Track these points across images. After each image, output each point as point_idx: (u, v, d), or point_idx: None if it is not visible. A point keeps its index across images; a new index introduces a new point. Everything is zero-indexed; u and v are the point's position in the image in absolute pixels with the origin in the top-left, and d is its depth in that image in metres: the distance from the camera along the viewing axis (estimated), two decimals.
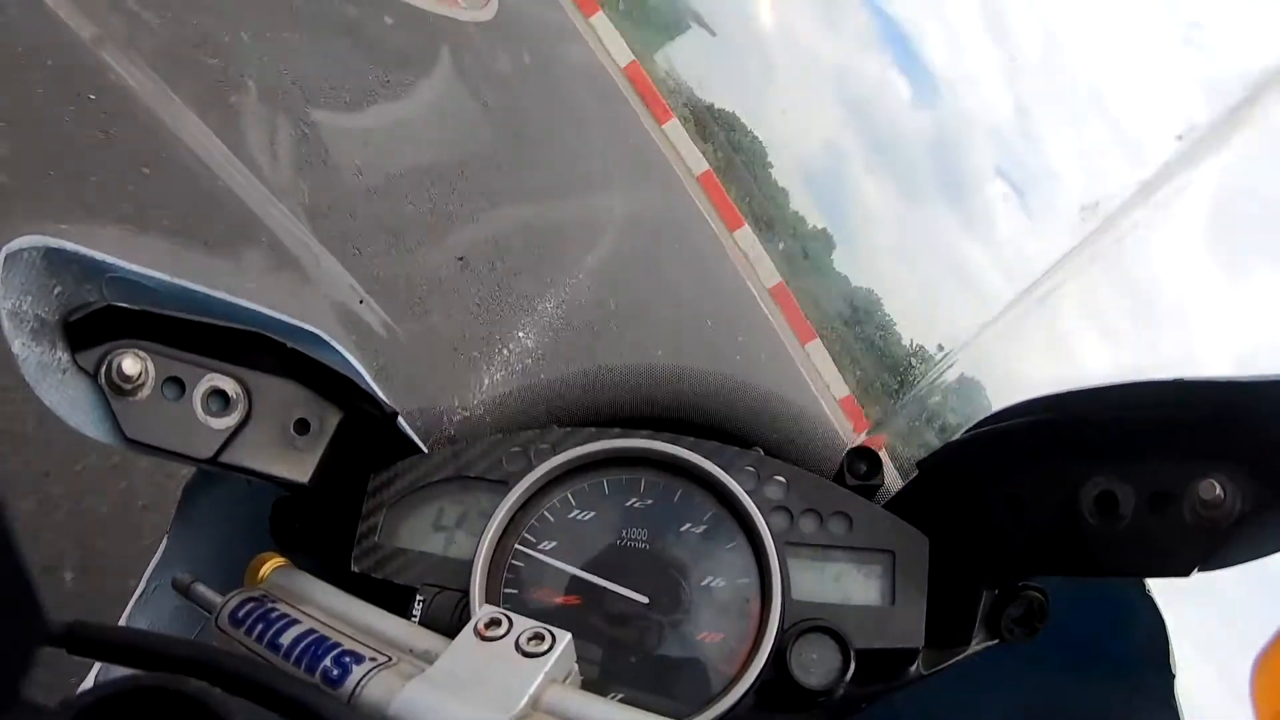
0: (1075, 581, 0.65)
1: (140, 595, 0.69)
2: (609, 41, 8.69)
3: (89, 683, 0.65)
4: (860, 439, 0.76)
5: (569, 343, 4.35)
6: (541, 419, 0.81)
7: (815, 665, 0.60)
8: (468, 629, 0.50)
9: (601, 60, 8.44)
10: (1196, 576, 0.50)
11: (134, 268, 0.55)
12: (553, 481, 0.68)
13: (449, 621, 0.62)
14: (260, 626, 0.57)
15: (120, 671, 0.61)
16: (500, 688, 0.46)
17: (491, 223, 4.34)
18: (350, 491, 0.70)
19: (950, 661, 0.66)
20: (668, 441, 0.68)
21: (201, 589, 0.62)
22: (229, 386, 0.61)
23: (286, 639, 0.55)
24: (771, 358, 7.94)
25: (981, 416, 0.61)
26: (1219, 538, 0.47)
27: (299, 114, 3.40)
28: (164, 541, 0.71)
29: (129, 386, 0.57)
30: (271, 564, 0.64)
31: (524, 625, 0.50)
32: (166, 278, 0.56)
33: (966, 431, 0.62)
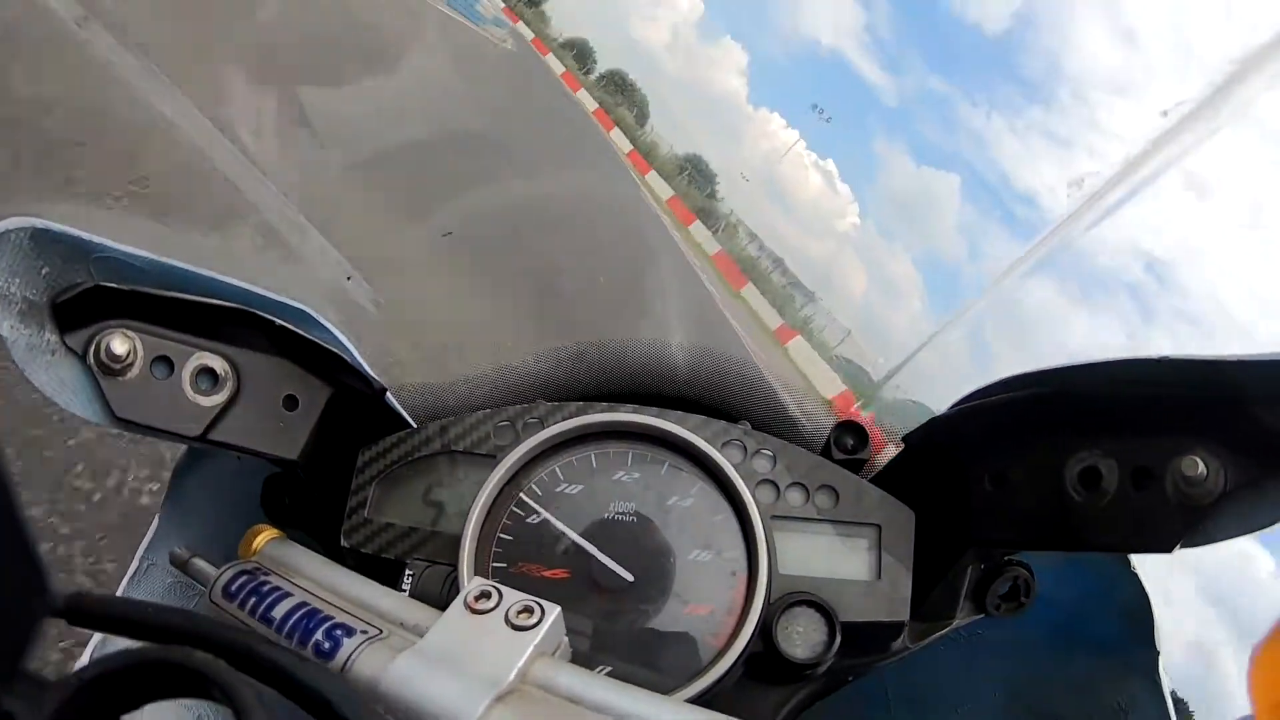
0: (1060, 557, 0.66)
1: (133, 573, 0.70)
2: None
3: (87, 654, 0.65)
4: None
5: None
6: (529, 393, 0.81)
7: (801, 638, 0.61)
8: (458, 602, 0.51)
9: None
10: (1180, 552, 0.50)
11: (121, 247, 0.55)
12: (541, 455, 0.69)
13: (438, 595, 0.63)
14: (253, 600, 0.57)
15: (121, 643, 0.62)
16: (489, 661, 0.46)
17: None
18: (340, 467, 0.71)
19: (936, 635, 0.66)
20: (655, 415, 0.69)
21: (199, 563, 0.62)
22: (217, 364, 0.62)
23: (279, 612, 0.55)
24: None
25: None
26: (1202, 514, 0.47)
27: None
28: (155, 520, 0.71)
29: (118, 366, 0.57)
30: (265, 535, 0.64)
31: (513, 598, 0.50)
32: (154, 256, 0.56)
33: (953, 406, 0.62)
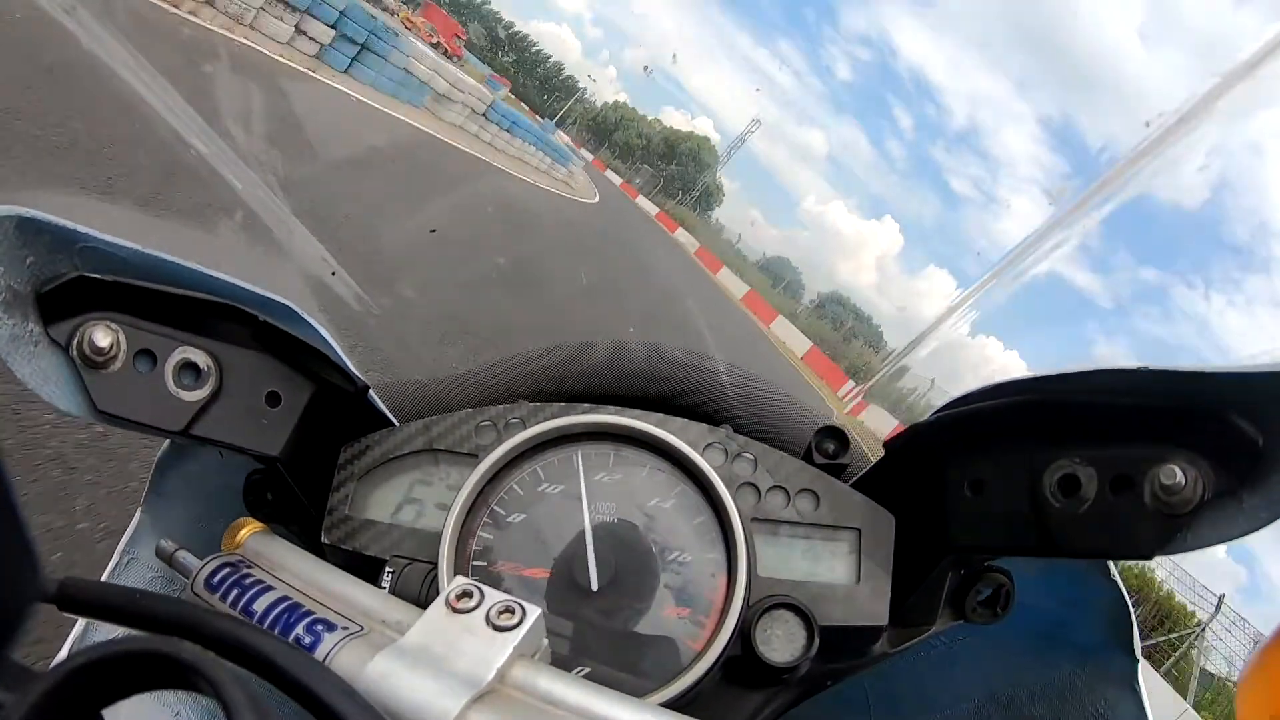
0: (1040, 564, 0.66)
1: (114, 567, 0.69)
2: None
3: (69, 643, 0.65)
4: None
5: None
6: (512, 393, 0.81)
7: (780, 641, 0.61)
8: (439, 600, 0.51)
9: None
10: (1158, 560, 0.51)
11: (106, 237, 0.55)
12: (522, 455, 0.69)
13: (418, 593, 0.63)
14: (235, 592, 0.57)
15: (109, 629, 0.61)
16: (469, 661, 0.46)
17: None
18: (322, 463, 0.71)
19: (915, 640, 0.67)
20: (637, 417, 0.69)
21: (184, 556, 0.62)
22: (200, 359, 0.61)
23: (260, 605, 0.55)
24: None
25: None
26: (1180, 522, 0.48)
27: None
28: (136, 514, 0.71)
29: (101, 359, 0.57)
30: (249, 529, 0.64)
31: (495, 598, 0.50)
32: (139, 247, 0.56)
33: (934, 413, 0.62)
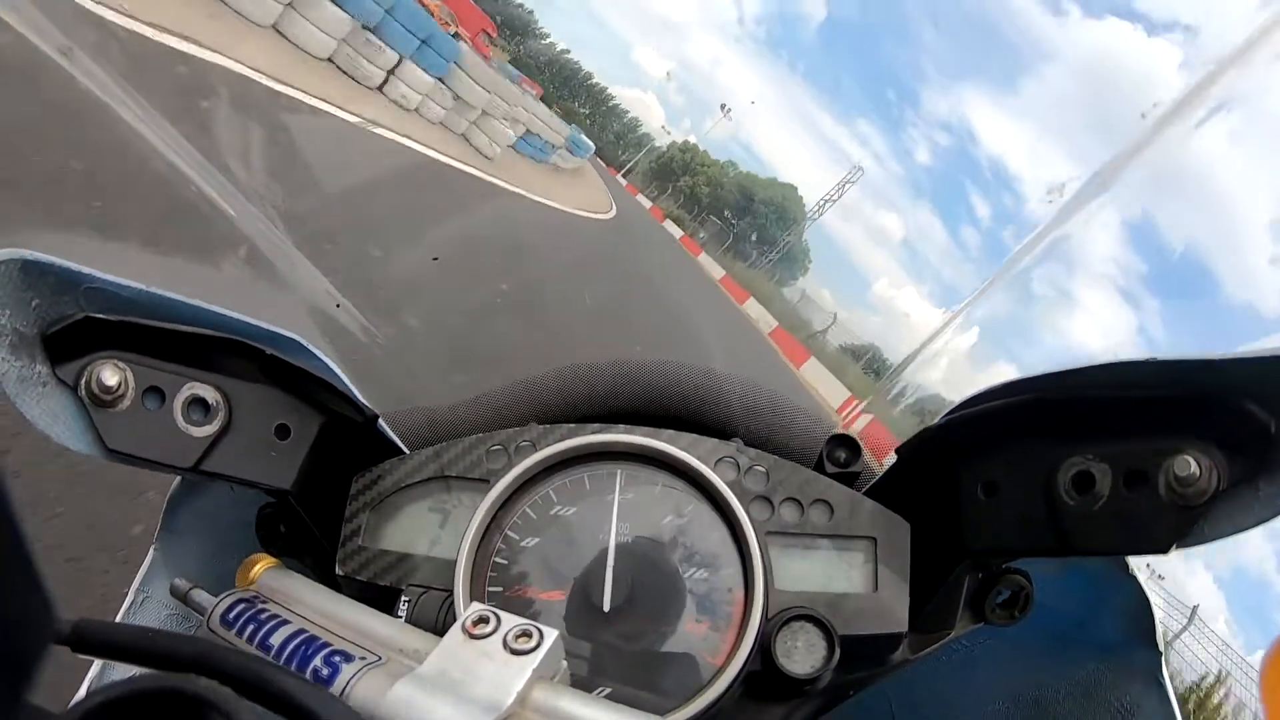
0: (1058, 563, 0.65)
1: (129, 606, 0.69)
2: None
3: (86, 683, 0.65)
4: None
5: None
6: (521, 416, 0.81)
7: (800, 653, 0.61)
8: (456, 627, 0.51)
9: None
10: (1176, 553, 0.50)
11: (111, 278, 0.55)
12: (534, 478, 0.69)
13: (434, 621, 0.63)
14: (251, 627, 0.57)
15: (124, 669, 0.61)
16: (488, 686, 0.46)
17: None
18: (333, 495, 0.71)
19: (935, 646, 0.66)
20: (647, 435, 0.69)
21: (199, 594, 0.62)
22: (209, 394, 0.61)
23: (277, 639, 0.55)
24: None
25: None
26: (1196, 514, 0.47)
27: None
28: (150, 552, 0.71)
29: (109, 398, 0.57)
30: (263, 565, 0.64)
31: (512, 622, 0.50)
32: (143, 287, 0.56)
33: (943, 416, 0.62)
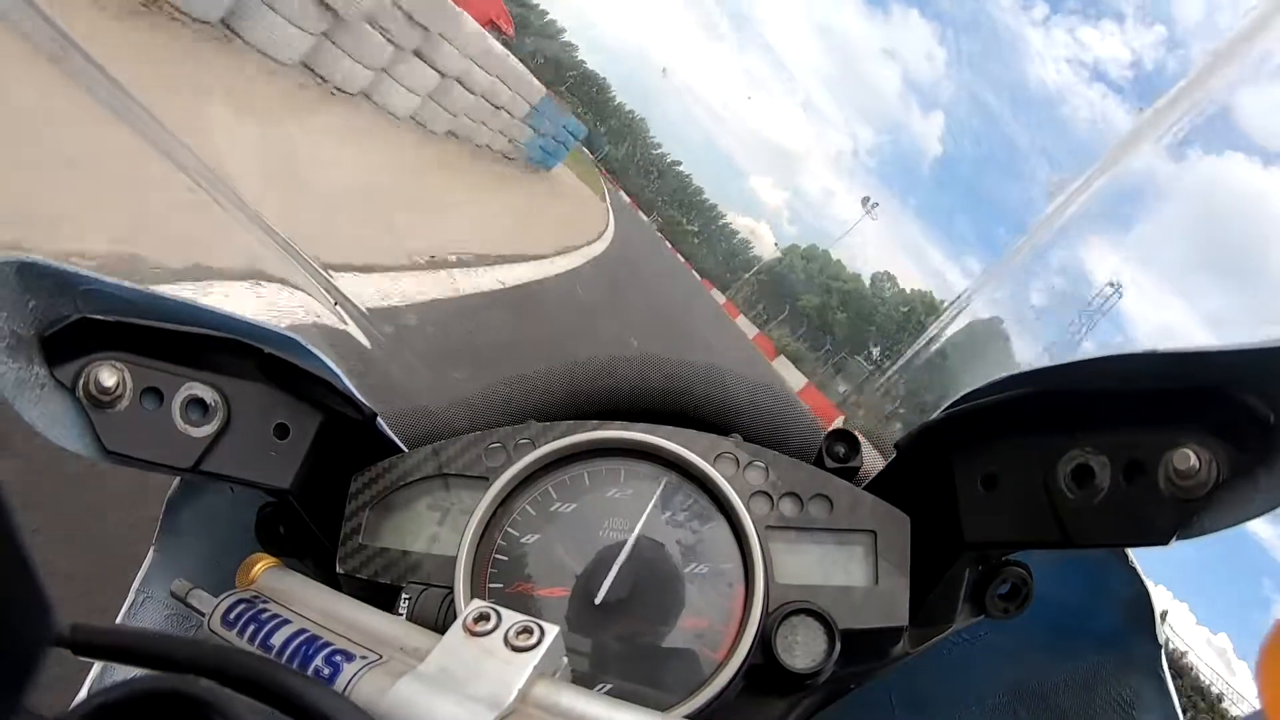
0: (1058, 556, 0.66)
1: (129, 607, 0.69)
2: None
3: (88, 684, 0.65)
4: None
5: None
6: (519, 414, 0.81)
7: (801, 647, 0.61)
8: (457, 625, 0.51)
9: None
10: (1176, 544, 0.50)
11: (108, 279, 0.55)
12: (533, 475, 0.69)
13: (435, 618, 0.63)
14: (252, 627, 0.57)
15: (123, 671, 0.61)
16: (490, 683, 0.46)
17: None
18: (333, 494, 0.71)
19: (936, 639, 0.66)
20: (646, 431, 0.69)
21: (199, 595, 0.62)
22: (207, 395, 0.61)
23: (278, 639, 0.55)
24: None
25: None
26: (1196, 506, 0.48)
27: None
28: (150, 553, 0.71)
29: (107, 399, 0.57)
30: (263, 565, 0.64)
31: (512, 619, 0.50)
32: (141, 288, 0.56)
33: (943, 410, 0.62)
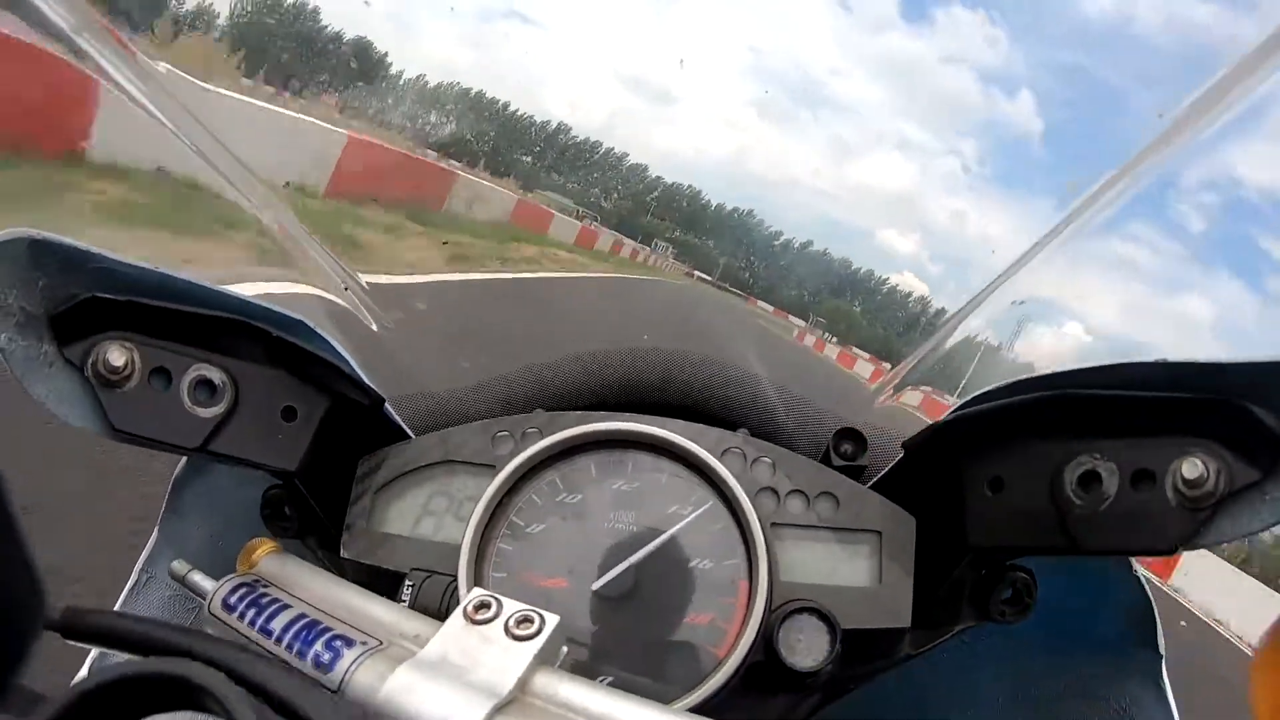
0: (1062, 561, 0.65)
1: (132, 587, 0.70)
2: None
3: (85, 667, 0.65)
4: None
5: None
6: (528, 403, 0.81)
7: (803, 646, 0.61)
8: (457, 612, 0.50)
9: None
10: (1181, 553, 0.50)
11: (118, 258, 0.55)
12: (540, 465, 0.69)
13: (438, 605, 0.63)
14: (252, 611, 0.57)
15: (117, 657, 0.62)
16: (489, 671, 0.46)
17: None
18: (339, 478, 0.71)
19: (938, 641, 0.66)
20: (653, 423, 0.69)
21: (197, 576, 0.62)
22: (215, 375, 0.61)
23: (278, 624, 0.55)
24: None
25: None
26: (1202, 516, 0.48)
27: None
28: (154, 533, 0.71)
29: (116, 378, 0.57)
30: (264, 549, 0.64)
31: (513, 608, 0.50)
32: (151, 267, 0.56)
33: (951, 412, 0.62)
